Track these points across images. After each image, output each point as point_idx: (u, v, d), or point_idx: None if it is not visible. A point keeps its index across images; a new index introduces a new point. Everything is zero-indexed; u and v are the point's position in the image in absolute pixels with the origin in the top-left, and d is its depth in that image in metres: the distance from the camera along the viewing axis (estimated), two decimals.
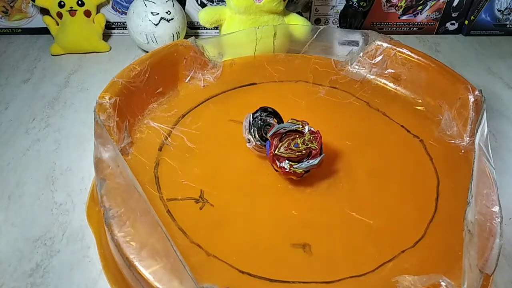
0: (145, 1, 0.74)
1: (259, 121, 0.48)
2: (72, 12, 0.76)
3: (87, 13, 0.78)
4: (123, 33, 0.85)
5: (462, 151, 0.51)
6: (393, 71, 0.61)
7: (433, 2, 0.86)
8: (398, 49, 0.60)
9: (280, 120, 0.49)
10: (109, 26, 0.84)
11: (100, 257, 0.44)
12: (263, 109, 0.49)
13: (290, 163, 0.43)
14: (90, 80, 0.72)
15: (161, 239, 0.36)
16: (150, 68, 0.54)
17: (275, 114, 0.49)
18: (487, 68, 0.80)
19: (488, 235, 0.38)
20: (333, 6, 0.86)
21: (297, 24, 0.72)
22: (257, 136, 0.47)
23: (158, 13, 0.74)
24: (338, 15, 0.86)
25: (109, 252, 0.43)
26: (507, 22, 0.89)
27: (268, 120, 0.48)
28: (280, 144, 0.44)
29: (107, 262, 0.44)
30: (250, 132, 0.47)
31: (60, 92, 0.69)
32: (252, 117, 0.48)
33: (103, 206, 0.39)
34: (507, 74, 0.78)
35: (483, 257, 0.36)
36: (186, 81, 0.60)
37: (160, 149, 0.50)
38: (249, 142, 0.48)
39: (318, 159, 0.44)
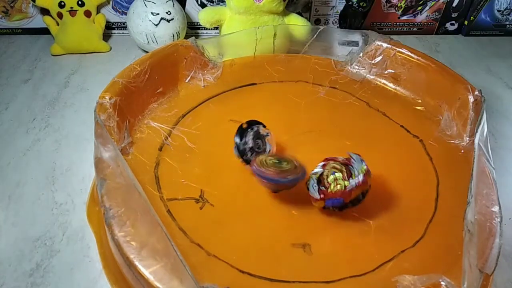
0: (145, 2, 0.74)
1: (248, 152, 0.46)
2: (72, 12, 0.76)
3: (87, 13, 0.78)
4: (123, 33, 0.85)
5: (462, 151, 0.51)
6: (393, 71, 0.61)
7: (433, 3, 0.86)
8: (398, 49, 0.60)
9: (257, 128, 0.48)
10: (109, 26, 0.84)
11: (100, 256, 0.45)
12: (241, 133, 0.46)
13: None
14: (90, 80, 0.72)
15: (161, 239, 0.36)
16: (150, 68, 0.54)
17: (253, 127, 0.47)
18: (487, 68, 0.80)
19: (488, 235, 0.38)
20: (333, 7, 0.86)
21: (297, 24, 0.72)
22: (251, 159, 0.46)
23: (158, 13, 0.74)
24: (338, 15, 0.86)
25: (109, 251, 0.43)
26: (507, 23, 0.89)
27: (257, 147, 0.47)
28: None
29: (107, 262, 0.44)
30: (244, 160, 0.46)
31: (60, 92, 0.69)
32: (240, 152, 0.46)
33: (103, 205, 0.39)
34: (507, 74, 0.78)
35: (483, 257, 0.36)
36: (186, 81, 0.60)
37: (160, 149, 0.50)
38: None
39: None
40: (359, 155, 0.42)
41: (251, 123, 0.47)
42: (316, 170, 0.43)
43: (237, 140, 0.46)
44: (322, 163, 0.43)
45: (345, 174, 0.42)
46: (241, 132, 0.46)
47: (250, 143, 0.46)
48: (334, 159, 0.43)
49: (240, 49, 0.65)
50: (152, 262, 0.35)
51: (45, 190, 0.52)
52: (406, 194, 0.46)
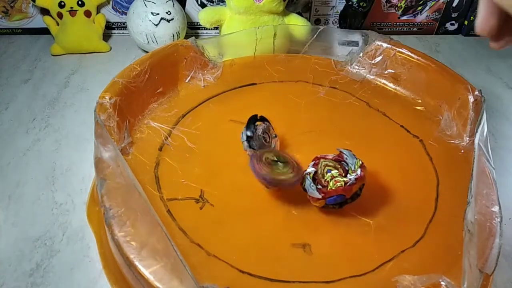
0: (145, 1, 0.74)
1: (256, 137, 0.47)
2: (72, 12, 0.76)
3: (87, 13, 0.78)
4: (123, 33, 0.85)
5: (462, 151, 0.51)
6: (393, 71, 0.61)
7: (433, 3, 0.86)
8: (398, 49, 0.60)
9: (266, 125, 0.49)
10: (109, 26, 0.84)
11: (100, 257, 0.45)
12: (251, 127, 0.47)
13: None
14: (90, 80, 0.72)
15: (161, 239, 0.36)
16: (150, 68, 0.54)
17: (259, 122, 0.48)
18: (487, 68, 0.80)
19: (488, 235, 0.38)
20: (333, 7, 0.86)
21: (297, 24, 0.72)
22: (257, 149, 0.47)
23: (158, 13, 0.74)
24: (338, 15, 0.86)
25: (109, 251, 0.43)
26: None
27: (264, 139, 0.48)
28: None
29: (107, 262, 0.44)
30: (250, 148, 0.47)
31: (60, 92, 0.69)
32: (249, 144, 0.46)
33: (103, 205, 0.39)
34: (507, 74, 0.78)
35: (483, 257, 0.36)
36: (186, 81, 0.60)
37: (160, 149, 0.50)
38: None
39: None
40: (350, 150, 0.42)
41: (263, 119, 0.48)
42: (309, 170, 0.43)
43: (249, 124, 0.47)
44: (313, 162, 0.43)
45: (341, 170, 0.42)
46: (255, 119, 0.47)
47: (260, 132, 0.47)
48: (324, 157, 0.43)
49: (240, 49, 0.65)
50: (152, 262, 0.35)
51: (45, 190, 0.52)
52: (406, 194, 0.46)
